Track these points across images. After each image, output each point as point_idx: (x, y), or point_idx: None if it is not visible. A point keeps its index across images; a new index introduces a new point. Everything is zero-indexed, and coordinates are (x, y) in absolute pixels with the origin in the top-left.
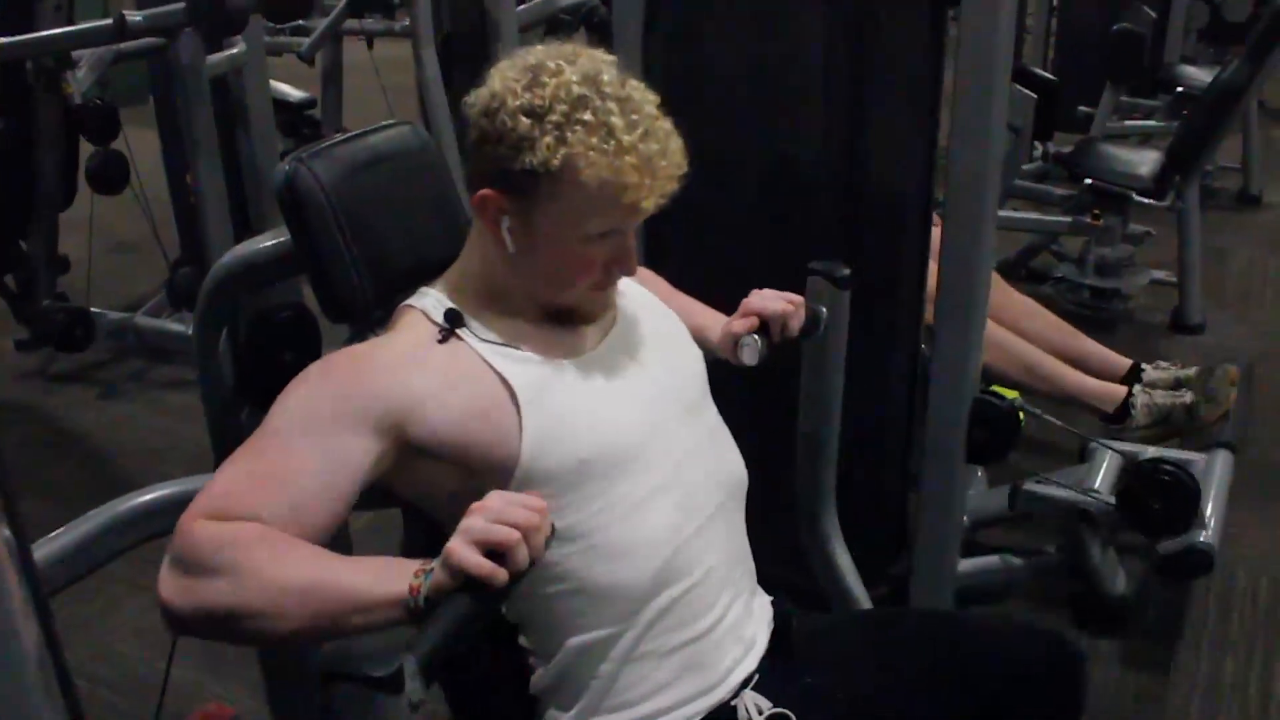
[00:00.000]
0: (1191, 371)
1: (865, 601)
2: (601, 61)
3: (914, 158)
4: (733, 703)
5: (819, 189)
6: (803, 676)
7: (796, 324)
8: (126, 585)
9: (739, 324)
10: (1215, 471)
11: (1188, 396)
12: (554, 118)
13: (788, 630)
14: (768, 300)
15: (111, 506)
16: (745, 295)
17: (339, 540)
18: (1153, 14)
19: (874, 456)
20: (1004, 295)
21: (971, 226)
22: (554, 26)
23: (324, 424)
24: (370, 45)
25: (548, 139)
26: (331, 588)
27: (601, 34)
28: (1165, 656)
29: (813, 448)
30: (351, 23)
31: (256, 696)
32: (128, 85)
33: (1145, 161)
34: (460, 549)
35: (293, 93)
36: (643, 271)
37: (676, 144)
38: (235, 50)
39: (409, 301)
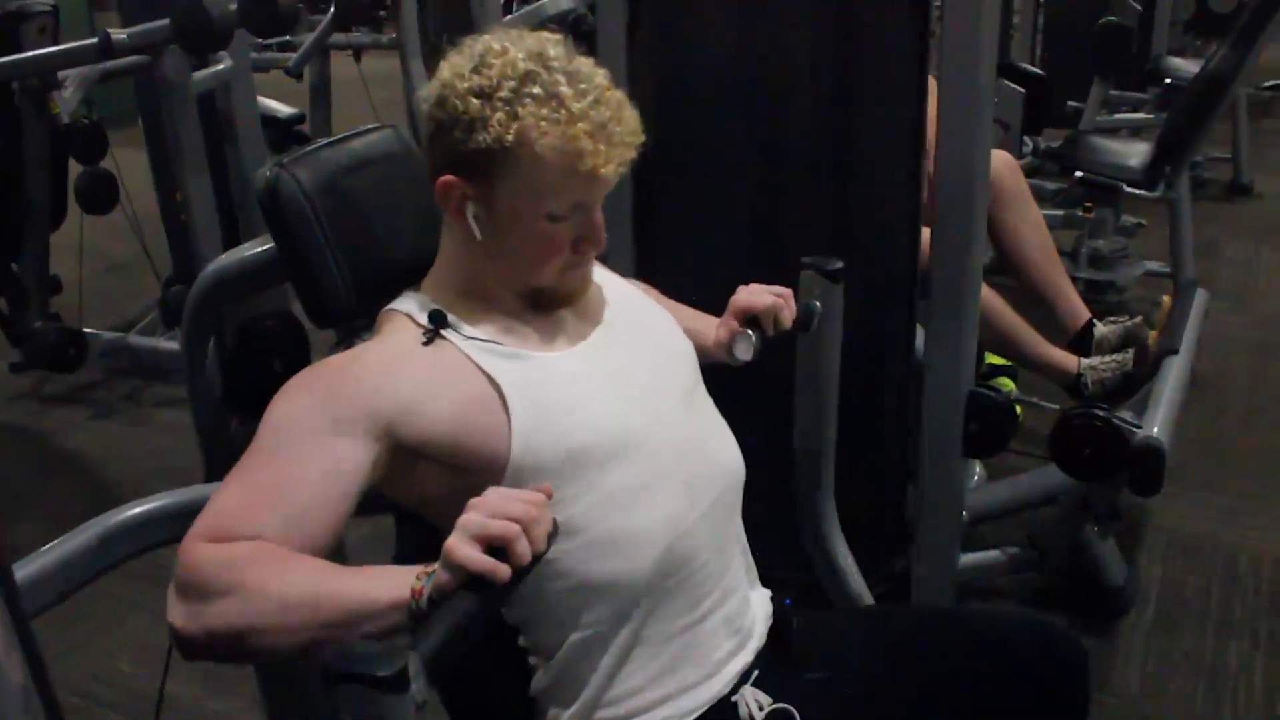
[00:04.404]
0: (1139, 319)
1: (867, 599)
2: (548, 40)
3: (902, 153)
4: (733, 699)
5: (807, 187)
6: (803, 672)
7: (788, 316)
8: (124, 603)
9: (731, 321)
10: (1165, 378)
11: (1130, 361)
12: (503, 94)
13: (787, 625)
14: (756, 295)
15: (99, 522)
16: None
17: (334, 554)
18: (1139, 7)
19: (870, 454)
20: (1021, 198)
21: (961, 222)
22: None
23: (315, 433)
24: (358, 59)
25: (499, 115)
26: (335, 597)
27: (589, 42)
28: (1169, 644)
29: (810, 445)
30: (338, 36)
31: (255, 710)
32: (116, 106)
33: (1135, 153)
34: (459, 546)
35: (281, 108)
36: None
37: (630, 112)
38: (221, 66)
39: (392, 306)
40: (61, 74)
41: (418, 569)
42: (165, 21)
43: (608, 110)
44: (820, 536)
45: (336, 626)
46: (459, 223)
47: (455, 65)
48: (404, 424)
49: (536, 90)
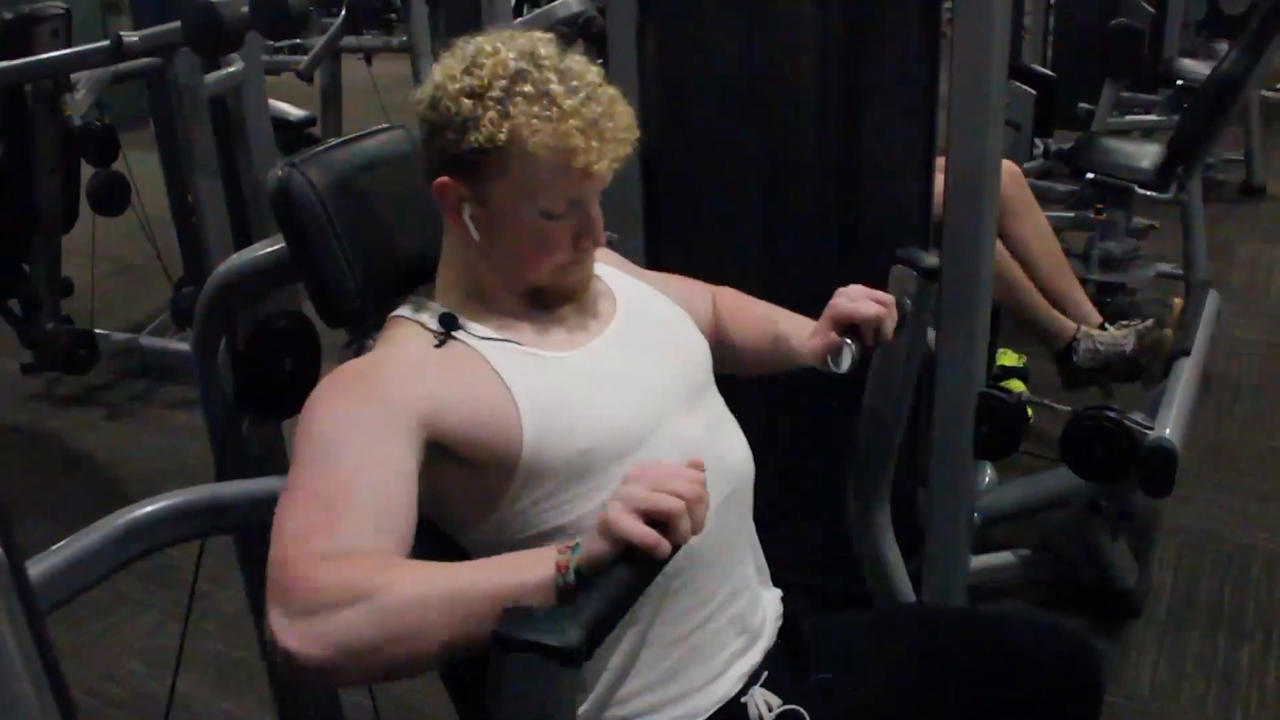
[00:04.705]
0: (1149, 323)
1: (910, 598)
2: (539, 39)
3: (911, 155)
4: (743, 700)
5: (816, 190)
6: (813, 673)
7: (891, 325)
8: (134, 603)
9: (829, 331)
10: (1177, 379)
11: (1129, 344)
12: (494, 94)
13: (797, 626)
14: (859, 304)
15: (110, 521)
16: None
17: None
18: (1150, 8)
19: None
20: (1026, 207)
21: (972, 224)
22: None
23: (364, 438)
24: (369, 62)
25: (490, 114)
26: (475, 589)
27: (599, 44)
28: (1181, 646)
29: (874, 454)
30: (350, 39)
31: (265, 710)
32: (128, 108)
33: (1147, 155)
34: (621, 516)
35: (292, 111)
36: (715, 288)
37: (623, 108)
38: (233, 69)
39: (399, 312)
40: (74, 76)
41: (552, 547)
42: (177, 24)
43: (600, 106)
44: (872, 532)
45: (481, 619)
46: (456, 224)
47: (447, 67)
48: (433, 422)
49: (528, 89)
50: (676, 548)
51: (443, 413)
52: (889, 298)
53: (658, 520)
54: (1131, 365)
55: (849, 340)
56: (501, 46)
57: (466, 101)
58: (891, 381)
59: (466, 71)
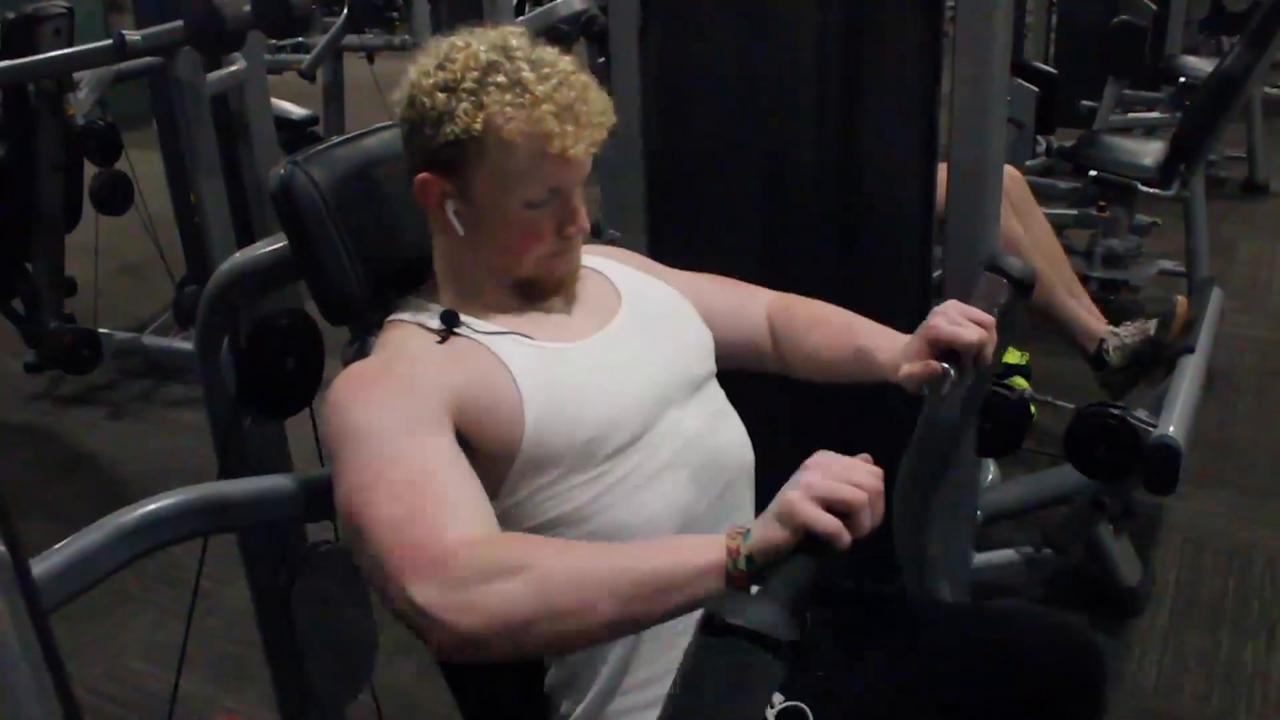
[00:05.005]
0: (1154, 321)
1: (949, 597)
2: (510, 32)
3: (912, 155)
4: None
5: (816, 190)
6: (816, 670)
7: (992, 349)
8: (136, 601)
9: (929, 358)
10: (1181, 376)
11: (1152, 328)
12: (467, 85)
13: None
14: (960, 329)
15: (113, 519)
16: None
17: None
18: (1152, 5)
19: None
20: (1027, 209)
21: (974, 224)
22: (553, 37)
23: (412, 431)
24: (371, 60)
25: (465, 105)
26: (637, 570)
27: (601, 43)
28: (1184, 643)
29: (934, 453)
30: (352, 38)
31: (270, 707)
32: (130, 107)
33: (1149, 152)
34: (804, 503)
35: (295, 110)
36: (780, 295)
37: (596, 94)
38: (235, 68)
39: (395, 316)
40: (76, 75)
41: (719, 534)
42: (179, 23)
43: (573, 92)
44: (921, 543)
45: (644, 600)
46: (441, 220)
47: (421, 65)
48: (453, 410)
49: (500, 78)
50: (855, 540)
51: (456, 402)
52: (990, 319)
53: (838, 510)
54: (1157, 347)
55: (948, 366)
56: (473, 40)
57: (441, 95)
58: (959, 391)
59: (439, 67)
